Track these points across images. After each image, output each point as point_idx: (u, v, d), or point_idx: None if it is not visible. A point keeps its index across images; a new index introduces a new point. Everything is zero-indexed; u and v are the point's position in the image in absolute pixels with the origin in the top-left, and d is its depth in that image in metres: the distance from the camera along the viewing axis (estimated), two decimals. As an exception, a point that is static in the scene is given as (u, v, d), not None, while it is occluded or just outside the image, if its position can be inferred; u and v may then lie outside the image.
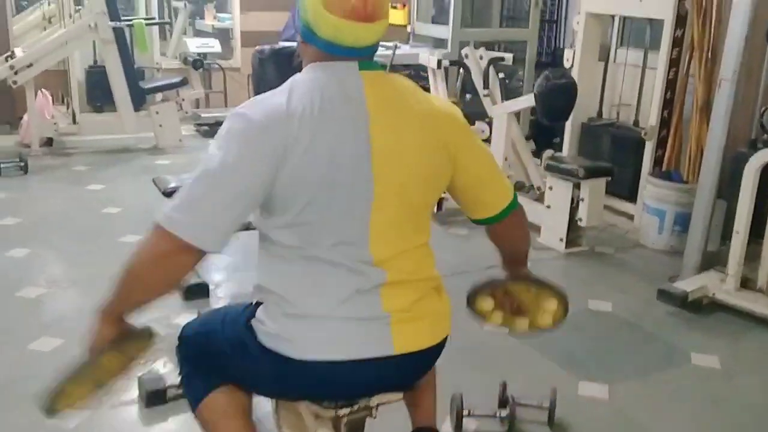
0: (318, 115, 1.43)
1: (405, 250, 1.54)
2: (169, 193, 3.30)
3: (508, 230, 1.72)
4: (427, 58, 4.75)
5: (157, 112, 5.92)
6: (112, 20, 5.48)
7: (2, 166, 5.04)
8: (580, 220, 4.01)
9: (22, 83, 5.37)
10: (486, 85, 4.68)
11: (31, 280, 3.40)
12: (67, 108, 5.91)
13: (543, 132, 5.28)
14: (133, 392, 2.52)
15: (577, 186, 3.97)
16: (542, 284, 1.80)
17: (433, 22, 6.90)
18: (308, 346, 1.48)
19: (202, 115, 6.58)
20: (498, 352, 2.97)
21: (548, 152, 4.91)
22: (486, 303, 1.79)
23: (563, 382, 2.75)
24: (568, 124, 4.85)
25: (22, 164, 5.09)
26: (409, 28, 7.22)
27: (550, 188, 4.11)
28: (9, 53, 5.45)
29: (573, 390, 2.71)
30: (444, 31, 6.58)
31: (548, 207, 4.14)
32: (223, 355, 1.61)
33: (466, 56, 4.89)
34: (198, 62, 6.24)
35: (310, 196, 1.43)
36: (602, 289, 3.63)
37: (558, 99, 4.05)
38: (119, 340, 1.50)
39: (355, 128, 1.45)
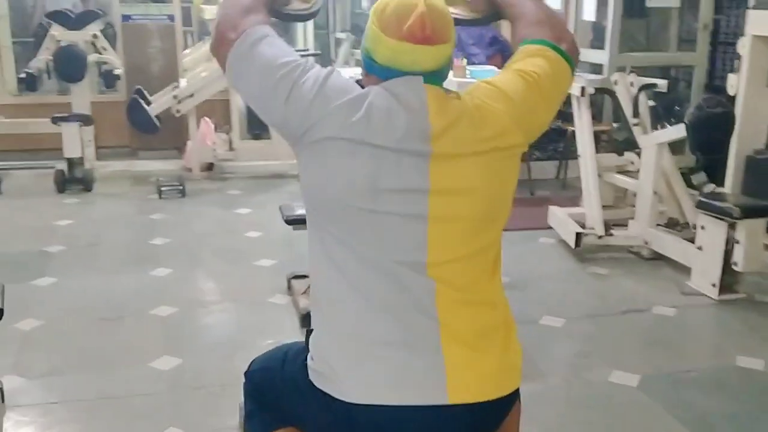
0: (377, 118, 1.38)
1: (463, 257, 1.43)
2: (291, 221, 3.36)
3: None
4: (573, 85, 4.50)
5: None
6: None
7: (163, 189, 5.41)
8: (736, 264, 3.60)
9: (185, 112, 5.75)
10: (636, 114, 4.37)
11: (166, 300, 3.57)
12: (227, 135, 6.25)
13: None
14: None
15: (732, 226, 3.58)
16: None
17: (591, 47, 6.63)
18: (353, 385, 1.39)
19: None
20: (621, 408, 2.71)
21: (708, 187, 4.49)
22: None
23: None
24: (730, 158, 4.41)
25: (181, 188, 5.43)
26: (565, 54, 6.98)
27: (702, 228, 3.74)
28: (175, 84, 5.86)
29: (701, 459, 2.41)
30: (601, 56, 6.31)
31: (699, 248, 3.75)
32: (281, 395, 1.57)
33: (616, 82, 4.60)
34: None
35: (349, 194, 1.38)
36: (756, 344, 3.22)
37: (712, 130, 3.69)
38: None
39: (414, 139, 1.38)
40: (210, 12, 5.95)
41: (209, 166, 6.13)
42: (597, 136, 5.88)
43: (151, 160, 6.26)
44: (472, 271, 1.44)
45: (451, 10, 1.80)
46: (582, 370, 2.97)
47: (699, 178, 4.14)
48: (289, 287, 3.61)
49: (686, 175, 5.64)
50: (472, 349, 1.42)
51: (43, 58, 5.90)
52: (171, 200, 5.35)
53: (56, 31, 5.97)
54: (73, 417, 2.57)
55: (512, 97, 1.49)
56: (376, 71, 1.43)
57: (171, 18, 6.42)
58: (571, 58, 1.60)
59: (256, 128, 6.66)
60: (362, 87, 1.47)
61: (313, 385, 1.44)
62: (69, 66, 5.67)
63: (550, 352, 3.11)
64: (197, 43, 7.38)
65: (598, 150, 5.66)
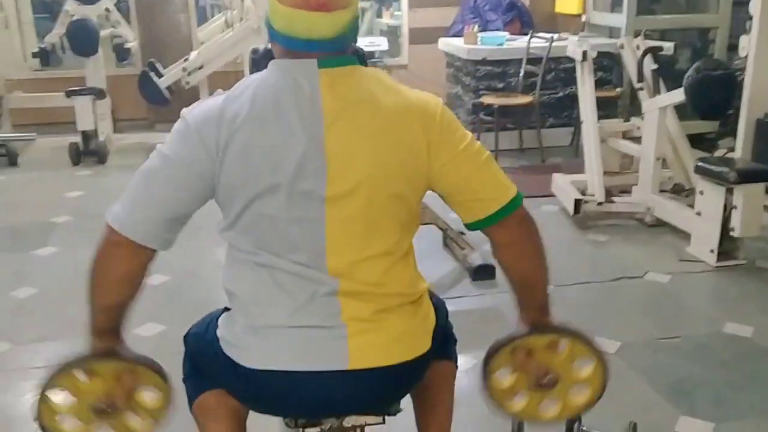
0: (257, 119, 1.35)
1: (367, 258, 1.41)
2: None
3: (511, 245, 1.49)
4: (573, 49, 4.41)
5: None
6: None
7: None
8: (733, 230, 3.51)
9: (195, 84, 5.79)
10: (640, 78, 4.26)
11: (161, 268, 3.62)
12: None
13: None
14: None
15: (730, 191, 3.48)
16: (571, 334, 1.50)
17: (612, 11, 6.46)
18: (258, 356, 1.41)
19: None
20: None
21: (720, 151, 4.36)
22: (503, 379, 1.52)
23: (660, 415, 2.42)
24: (740, 121, 4.27)
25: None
26: (583, 18, 6.82)
27: (701, 193, 3.64)
28: (186, 57, 5.90)
29: (669, 426, 2.37)
30: (619, 19, 6.14)
31: (698, 214, 3.67)
32: (206, 359, 1.59)
33: (621, 46, 4.49)
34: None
35: (247, 198, 1.36)
36: (748, 311, 3.14)
37: (711, 93, 3.58)
38: (104, 359, 1.44)
39: (305, 129, 1.35)
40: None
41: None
42: (612, 101, 5.79)
43: (167, 132, 6.33)
44: (377, 271, 1.42)
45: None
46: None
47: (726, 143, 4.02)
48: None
49: (714, 140, 5.51)
50: (373, 322, 1.42)
51: (56, 33, 5.99)
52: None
53: (70, 6, 6.05)
54: (53, 380, 2.65)
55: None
56: (277, 39, 1.41)
57: (182, -10, 6.44)
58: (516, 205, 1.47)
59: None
60: (272, 56, 1.45)
61: (223, 352, 1.46)
62: (81, 40, 5.74)
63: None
64: (216, 15, 7.40)
65: (614, 116, 5.58)
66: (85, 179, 5.30)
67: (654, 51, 4.27)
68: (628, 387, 2.58)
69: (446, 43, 6.23)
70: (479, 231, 1.48)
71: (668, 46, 4.34)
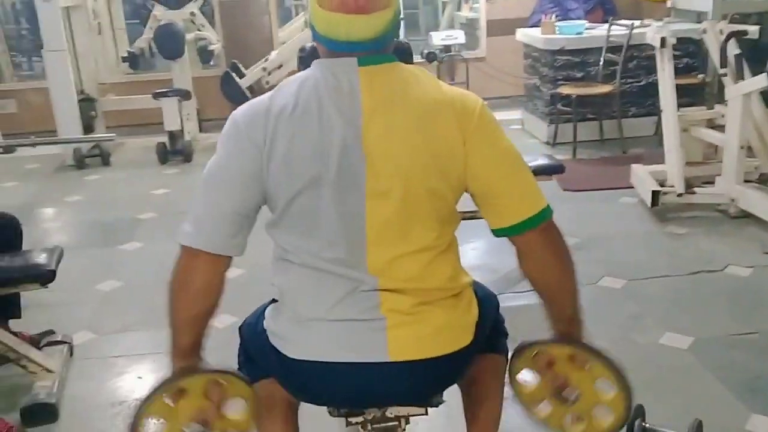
0: (301, 113, 1.39)
1: (406, 254, 1.43)
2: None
3: (535, 255, 1.47)
4: (652, 35, 4.26)
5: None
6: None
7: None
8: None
9: (275, 83, 5.93)
10: (723, 64, 4.07)
11: (238, 262, 3.74)
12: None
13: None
14: None
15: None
16: (594, 354, 1.49)
17: (700, -6, 6.20)
18: (300, 347, 1.46)
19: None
20: (665, 370, 2.60)
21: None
22: (527, 383, 1.55)
23: (730, 412, 2.33)
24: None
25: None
26: (668, 3, 6.57)
27: (787, 182, 3.47)
28: (267, 57, 6.05)
29: (740, 425, 2.27)
30: (705, 3, 5.89)
31: (785, 205, 3.49)
32: (257, 349, 1.65)
33: (704, 31, 4.30)
34: (431, 54, 6.34)
35: (291, 192, 1.40)
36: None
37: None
38: (189, 375, 1.45)
39: (345, 125, 1.38)
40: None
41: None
42: (698, 88, 5.56)
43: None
44: (417, 267, 1.43)
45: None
46: (632, 332, 2.86)
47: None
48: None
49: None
50: (412, 315, 1.43)
51: (145, 38, 6.27)
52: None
53: (158, 11, 6.31)
54: (131, 369, 2.80)
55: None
56: (319, 40, 1.44)
57: (264, -9, 6.61)
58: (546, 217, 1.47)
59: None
60: (317, 54, 1.48)
61: (271, 344, 1.51)
62: (168, 44, 6.00)
63: (602, 314, 3.02)
64: (296, 16, 7.56)
65: (700, 103, 5.36)
66: (171, 177, 5.53)
67: (738, 35, 4.07)
68: (698, 383, 2.50)
69: (524, 34, 6.14)
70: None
71: (753, 30, 4.13)
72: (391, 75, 1.43)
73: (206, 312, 1.47)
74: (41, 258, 2.55)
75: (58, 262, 2.58)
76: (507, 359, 1.80)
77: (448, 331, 1.47)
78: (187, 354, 1.50)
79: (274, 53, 6.12)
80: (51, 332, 2.91)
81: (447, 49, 7.05)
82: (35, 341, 2.81)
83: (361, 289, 1.43)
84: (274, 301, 1.60)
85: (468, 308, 1.52)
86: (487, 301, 1.72)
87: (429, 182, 1.41)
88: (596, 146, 5.60)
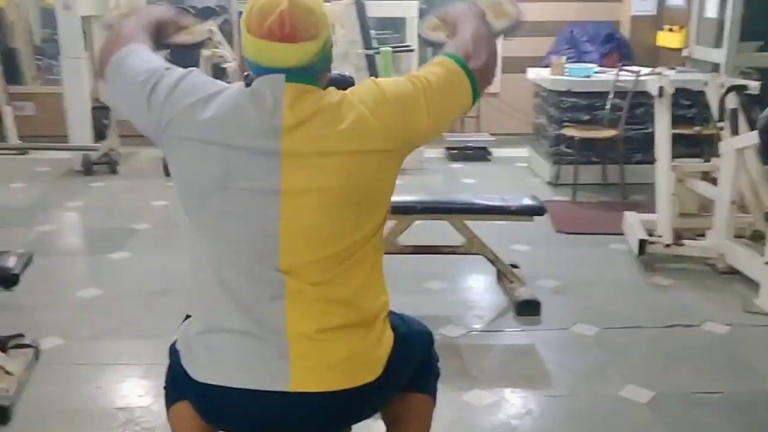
0: (228, 112, 1.44)
1: (319, 260, 1.45)
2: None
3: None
4: (653, 84, 4.26)
5: (401, 135, 6.17)
6: (365, 48, 5.87)
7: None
8: (804, 283, 3.27)
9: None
10: (722, 117, 4.06)
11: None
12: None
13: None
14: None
15: (802, 241, 3.25)
16: None
17: (716, 46, 6.19)
18: (206, 369, 1.47)
19: (449, 138, 6.71)
20: (620, 424, 2.57)
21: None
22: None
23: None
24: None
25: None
26: (684, 52, 6.57)
27: (773, 241, 3.43)
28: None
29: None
30: (719, 55, 5.89)
31: (767, 263, 3.45)
32: (175, 371, 1.66)
33: (706, 83, 4.30)
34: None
35: (204, 183, 1.43)
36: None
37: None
38: None
39: (264, 136, 1.42)
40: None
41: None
42: (706, 139, 5.52)
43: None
44: (328, 272, 1.46)
45: (432, 34, 1.85)
46: (594, 382, 2.83)
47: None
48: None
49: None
50: (317, 341, 1.45)
51: (163, 52, 6.37)
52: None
53: (178, 27, 6.43)
54: (94, 377, 2.83)
55: (389, 99, 1.49)
56: (249, 64, 1.49)
57: (283, 14, 6.71)
58: (472, 76, 1.57)
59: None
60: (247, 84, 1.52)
61: (180, 363, 1.54)
62: (182, 59, 6.07)
63: (568, 361, 3.00)
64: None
65: (709, 154, 5.32)
66: (171, 190, 5.58)
67: (738, 89, 4.06)
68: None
69: (534, 73, 6.16)
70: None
71: (754, 86, 4.12)
72: (315, 94, 1.46)
73: None
74: (8, 262, 2.60)
75: (25, 266, 2.63)
76: (434, 401, 1.80)
77: (353, 364, 1.47)
78: None
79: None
80: (20, 335, 2.95)
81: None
82: (2, 343, 2.86)
83: (267, 294, 1.44)
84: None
85: (378, 340, 1.52)
86: (416, 337, 1.74)
87: (353, 193, 1.44)
88: (597, 190, 5.58)
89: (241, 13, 6.70)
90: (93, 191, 5.62)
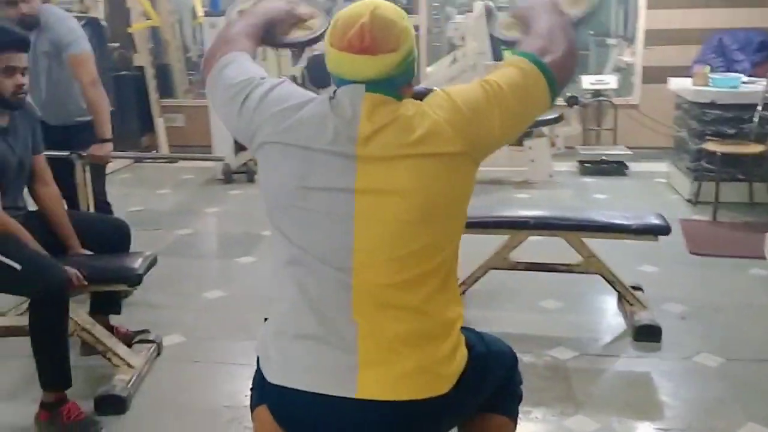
0: (309, 119, 1.49)
1: (391, 260, 1.45)
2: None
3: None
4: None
5: (530, 147, 6.06)
6: (494, 60, 5.82)
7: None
8: None
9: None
10: None
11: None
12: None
13: None
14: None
15: None
16: None
17: None
18: (279, 370, 1.51)
19: (582, 152, 6.50)
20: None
21: None
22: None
23: None
24: None
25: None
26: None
27: None
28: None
29: None
30: None
31: None
32: (258, 374, 1.72)
33: None
34: (572, 98, 6.19)
35: (286, 183, 1.48)
36: None
37: None
38: None
39: (342, 137, 1.45)
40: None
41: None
42: None
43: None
44: (400, 274, 1.46)
45: (507, 34, 1.83)
46: (711, 417, 2.62)
47: None
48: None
49: None
50: (387, 350, 1.45)
51: (299, 66, 6.64)
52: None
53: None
54: (206, 374, 2.98)
55: (461, 105, 1.48)
56: (332, 76, 1.53)
57: (416, 29, 6.78)
58: (550, 72, 1.53)
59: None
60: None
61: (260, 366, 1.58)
62: (319, 72, 6.31)
63: (685, 393, 2.80)
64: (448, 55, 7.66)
65: None
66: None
67: None
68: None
69: (676, 83, 5.84)
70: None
71: None
72: (391, 106, 1.48)
73: None
74: (134, 262, 2.79)
75: (149, 268, 2.82)
76: (514, 424, 1.75)
77: (422, 376, 1.46)
78: None
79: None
80: (146, 331, 3.16)
81: (597, 93, 6.85)
82: (129, 337, 3.08)
83: (340, 294, 1.46)
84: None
85: (451, 356, 1.50)
86: (495, 357, 1.70)
87: (427, 201, 1.43)
88: (742, 209, 5.19)
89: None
90: (230, 198, 5.93)
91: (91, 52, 3.44)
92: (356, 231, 1.45)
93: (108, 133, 3.41)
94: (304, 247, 1.49)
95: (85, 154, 3.38)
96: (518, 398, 1.79)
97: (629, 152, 6.53)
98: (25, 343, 3.03)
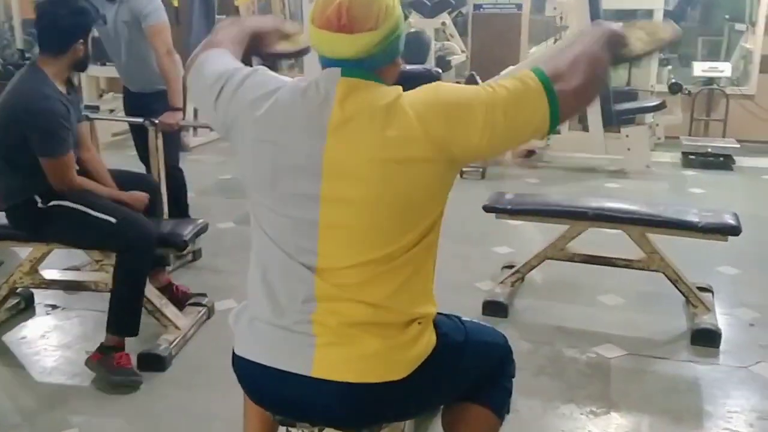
0: (279, 109, 1.48)
1: (356, 265, 1.44)
2: (489, 209, 3.39)
3: None
4: None
5: (627, 135, 5.80)
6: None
7: (464, 168, 5.69)
8: None
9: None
10: None
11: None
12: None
13: None
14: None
15: None
16: None
17: None
18: (245, 345, 1.55)
19: (686, 142, 6.14)
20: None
21: None
22: None
23: None
24: None
25: (481, 170, 5.67)
26: None
27: None
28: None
29: None
30: None
31: None
32: None
33: None
34: (675, 86, 5.85)
35: (256, 181, 1.49)
36: None
37: None
38: None
39: (309, 134, 1.44)
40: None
41: (528, 153, 6.24)
42: None
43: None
44: (362, 276, 1.44)
45: None
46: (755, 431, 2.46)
47: None
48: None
49: None
50: (345, 335, 1.45)
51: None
52: (468, 180, 5.60)
53: (413, 18, 6.66)
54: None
55: (441, 104, 1.43)
56: (318, 58, 1.52)
57: (518, 7, 6.62)
58: (555, 100, 1.43)
59: (586, 119, 6.52)
60: None
61: None
62: (413, 50, 6.30)
63: (734, 403, 2.61)
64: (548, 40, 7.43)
65: None
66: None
67: None
68: None
69: (793, 74, 5.40)
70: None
71: None
72: (367, 91, 1.45)
73: None
74: (184, 229, 2.92)
75: (197, 234, 2.95)
76: (498, 417, 1.71)
77: (376, 361, 1.45)
78: None
79: (509, 68, 6.11)
80: (203, 295, 3.30)
81: (709, 81, 6.44)
82: (187, 297, 3.23)
83: (302, 294, 1.46)
84: None
85: (412, 342, 1.48)
86: (479, 347, 1.67)
87: (393, 194, 1.41)
88: None
89: (476, 6, 6.77)
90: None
91: (167, 23, 3.59)
92: (320, 237, 1.44)
93: (179, 101, 3.55)
94: (272, 244, 1.50)
95: (156, 121, 3.54)
96: (506, 391, 1.74)
97: (738, 146, 6.11)
98: (90, 297, 3.25)
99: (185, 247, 2.87)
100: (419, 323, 1.50)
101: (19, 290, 3.21)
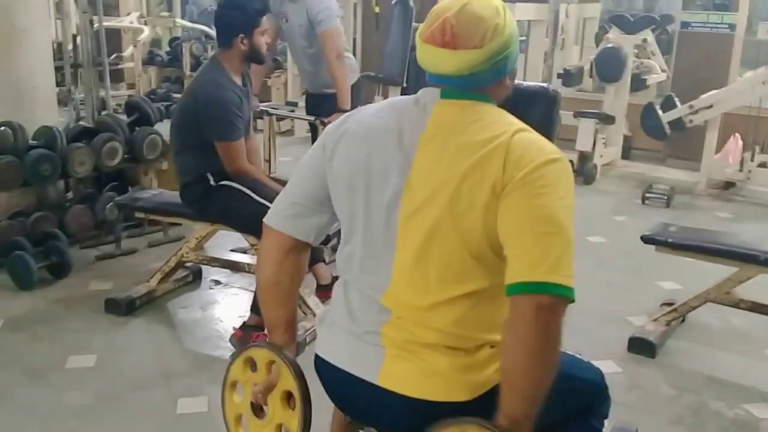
0: (366, 132, 1.50)
1: (426, 291, 1.43)
2: (648, 239, 3.16)
3: (512, 327, 1.32)
4: None
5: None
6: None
7: (648, 195, 5.38)
8: None
9: (699, 123, 5.51)
10: None
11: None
12: (752, 153, 5.67)
13: None
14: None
15: None
16: None
17: None
18: (323, 344, 1.60)
19: None
20: None
21: None
22: None
23: None
24: None
25: (665, 198, 5.31)
26: None
27: None
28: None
29: None
30: None
31: None
32: None
33: None
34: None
35: (341, 202, 1.52)
36: None
37: None
38: (258, 350, 1.59)
39: (402, 152, 1.45)
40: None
41: (726, 185, 5.75)
42: None
43: (674, 168, 6.20)
44: (430, 297, 1.44)
45: None
46: None
47: None
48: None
49: None
50: (413, 352, 1.45)
51: (588, 58, 6.41)
52: (651, 208, 5.28)
53: (612, 34, 6.39)
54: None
55: (538, 223, 1.34)
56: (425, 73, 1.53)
57: (731, 28, 6.11)
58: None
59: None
60: None
61: None
62: (608, 67, 6.06)
63: None
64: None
65: None
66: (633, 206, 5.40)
67: None
68: None
69: None
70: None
71: None
72: (464, 111, 1.45)
73: (276, 285, 1.61)
74: (331, 224, 3.04)
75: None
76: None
77: (441, 380, 1.43)
78: (273, 328, 1.64)
79: (710, 93, 5.66)
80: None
81: None
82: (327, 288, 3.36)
83: (375, 315, 1.49)
84: None
85: (482, 366, 1.45)
86: (574, 383, 1.59)
87: (465, 222, 1.39)
88: None
89: (684, 24, 6.33)
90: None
91: (339, 28, 3.75)
92: (396, 258, 1.45)
93: (346, 103, 3.69)
94: (354, 262, 1.51)
95: (326, 120, 3.71)
96: (593, 430, 1.64)
97: None
98: (252, 278, 3.48)
99: (328, 242, 2.99)
100: (491, 347, 1.46)
101: (188, 264, 3.52)
